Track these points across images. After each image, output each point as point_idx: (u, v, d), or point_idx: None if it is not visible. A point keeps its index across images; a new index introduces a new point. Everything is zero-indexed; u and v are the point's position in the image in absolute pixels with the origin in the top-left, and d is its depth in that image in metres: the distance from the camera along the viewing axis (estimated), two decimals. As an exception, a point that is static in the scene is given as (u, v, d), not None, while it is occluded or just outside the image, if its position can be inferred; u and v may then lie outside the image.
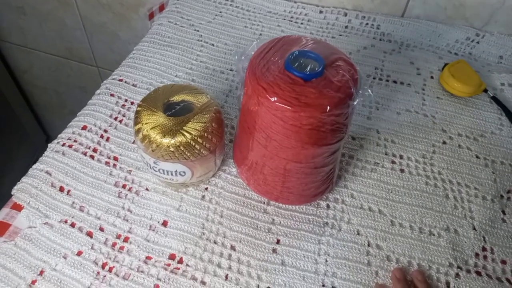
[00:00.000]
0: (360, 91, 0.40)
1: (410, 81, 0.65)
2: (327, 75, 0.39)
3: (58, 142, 0.55)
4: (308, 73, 0.39)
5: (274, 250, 0.46)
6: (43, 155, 0.54)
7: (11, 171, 1.25)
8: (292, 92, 0.38)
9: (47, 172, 0.52)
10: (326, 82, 0.39)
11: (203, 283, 0.44)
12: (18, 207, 0.49)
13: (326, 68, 0.40)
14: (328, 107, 0.38)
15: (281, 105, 0.38)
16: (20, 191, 0.50)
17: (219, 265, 0.45)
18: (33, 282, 0.43)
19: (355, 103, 0.40)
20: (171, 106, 0.47)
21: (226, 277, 0.44)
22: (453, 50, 0.71)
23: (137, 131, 0.45)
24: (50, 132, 1.49)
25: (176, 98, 0.47)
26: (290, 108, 0.38)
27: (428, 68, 0.67)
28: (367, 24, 0.74)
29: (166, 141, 0.43)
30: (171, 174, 0.46)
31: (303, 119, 0.38)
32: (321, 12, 0.76)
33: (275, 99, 0.38)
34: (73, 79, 1.23)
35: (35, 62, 1.23)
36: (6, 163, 1.25)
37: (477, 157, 0.56)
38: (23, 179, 0.51)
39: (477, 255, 0.47)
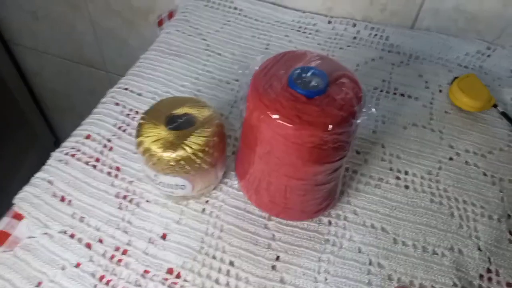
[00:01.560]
0: (364, 109, 0.39)
1: (418, 94, 0.64)
2: (330, 92, 0.39)
3: (61, 151, 0.55)
4: (311, 90, 0.38)
5: (273, 267, 0.46)
6: (46, 163, 0.54)
7: (21, 173, 1.26)
8: (294, 109, 0.37)
9: (49, 182, 0.52)
10: (329, 100, 0.38)
11: (201, 298, 0.43)
12: (18, 216, 0.49)
13: (329, 85, 0.39)
14: (331, 126, 0.37)
15: (283, 122, 0.37)
16: (22, 200, 0.50)
17: (217, 281, 0.44)
18: (31, 293, 0.43)
19: (358, 121, 0.39)
20: (173, 119, 0.46)
21: (224, 294, 0.44)
22: (463, 63, 0.69)
23: (139, 144, 0.44)
24: (60, 134, 1.51)
25: (179, 111, 0.47)
26: (291, 126, 0.37)
27: (437, 82, 0.66)
28: (376, 35, 0.74)
29: (167, 155, 0.43)
30: (171, 187, 0.46)
31: (305, 137, 0.38)
32: (329, 22, 0.76)
33: (277, 116, 0.38)
34: (83, 83, 1.24)
35: (46, 65, 1.24)
36: (16, 164, 1.26)
37: (485, 174, 0.55)
38: (25, 188, 0.51)
39: (481, 276, 0.46)
